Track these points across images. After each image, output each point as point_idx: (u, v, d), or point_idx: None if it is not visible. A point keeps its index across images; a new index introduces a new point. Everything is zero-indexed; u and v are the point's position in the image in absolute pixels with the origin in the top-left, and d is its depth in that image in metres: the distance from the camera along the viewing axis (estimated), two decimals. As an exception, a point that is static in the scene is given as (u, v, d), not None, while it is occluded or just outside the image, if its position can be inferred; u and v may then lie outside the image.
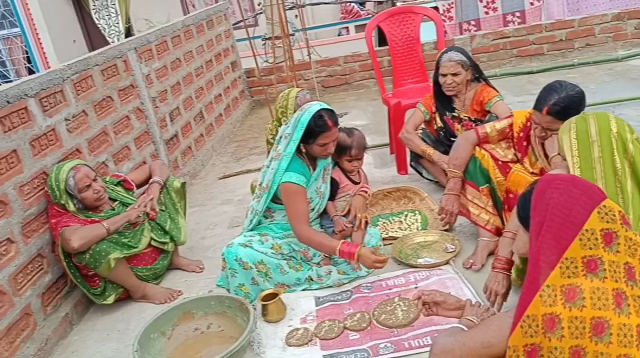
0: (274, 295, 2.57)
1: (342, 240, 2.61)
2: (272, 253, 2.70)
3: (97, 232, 2.66)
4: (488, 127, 2.79)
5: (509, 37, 6.37)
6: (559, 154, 2.46)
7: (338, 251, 2.54)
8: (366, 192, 2.97)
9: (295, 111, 3.37)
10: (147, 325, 2.45)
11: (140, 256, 2.91)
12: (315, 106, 2.63)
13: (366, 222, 2.84)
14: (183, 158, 4.68)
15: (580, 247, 1.28)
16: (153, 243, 2.95)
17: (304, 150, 2.69)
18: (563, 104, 2.36)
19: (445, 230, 3.04)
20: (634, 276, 1.30)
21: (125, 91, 3.81)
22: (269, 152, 3.69)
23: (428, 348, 2.16)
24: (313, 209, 2.80)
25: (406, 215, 3.30)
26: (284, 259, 2.74)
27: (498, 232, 2.79)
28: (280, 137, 2.73)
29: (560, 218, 1.30)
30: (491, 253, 2.75)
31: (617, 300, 1.25)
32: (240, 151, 5.36)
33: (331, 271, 2.75)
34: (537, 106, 2.45)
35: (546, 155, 2.60)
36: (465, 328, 1.54)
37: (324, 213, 2.94)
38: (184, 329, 2.56)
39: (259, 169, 4.55)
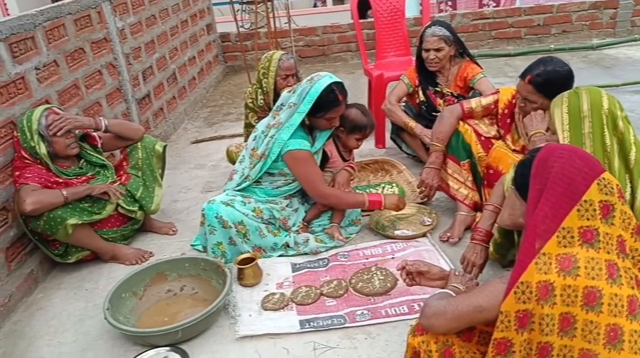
0: (250, 260, 2.53)
1: (366, 193, 2.75)
2: (253, 215, 2.65)
3: (53, 200, 2.50)
4: (473, 102, 2.79)
5: (488, 18, 6.38)
6: (540, 131, 2.49)
7: (368, 202, 2.65)
8: (352, 168, 2.94)
9: (276, 74, 3.30)
10: (118, 284, 2.38)
11: (106, 220, 2.78)
12: (325, 79, 2.55)
13: None
14: (155, 119, 4.54)
15: (578, 218, 1.29)
16: (120, 210, 2.81)
17: (307, 122, 2.63)
18: (546, 77, 2.37)
19: (423, 203, 3.04)
20: (625, 249, 1.31)
21: (98, 44, 3.64)
22: (246, 116, 3.62)
23: (404, 317, 2.21)
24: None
25: (383, 187, 3.29)
26: (264, 223, 2.69)
27: (475, 207, 2.82)
28: (282, 105, 2.65)
29: (561, 187, 1.30)
30: (468, 228, 2.77)
31: (610, 271, 1.26)
32: (213, 116, 5.24)
33: (309, 239, 2.72)
34: (522, 74, 2.46)
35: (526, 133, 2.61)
36: (454, 294, 1.54)
37: None
38: (156, 290, 2.50)
39: (234, 135, 4.55)
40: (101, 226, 2.78)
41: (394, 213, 2.99)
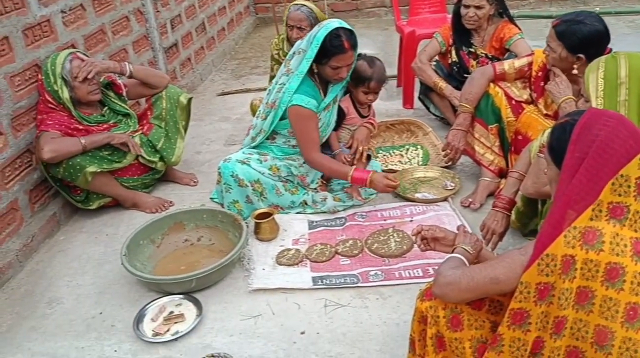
0: (267, 214, 2.53)
1: (354, 166, 2.54)
2: (270, 174, 2.63)
3: (71, 148, 2.51)
4: (506, 64, 2.66)
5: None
6: (570, 97, 2.38)
7: (350, 177, 2.49)
8: (372, 124, 2.85)
9: (287, 24, 3.21)
10: (136, 231, 2.41)
11: (126, 168, 2.80)
12: (333, 23, 2.44)
13: (368, 156, 2.76)
14: (182, 69, 4.51)
15: (611, 192, 1.21)
16: (141, 160, 2.82)
17: (316, 71, 2.53)
18: (571, 26, 2.27)
19: (446, 167, 2.97)
20: None
21: (126, -10, 3.58)
22: (272, 68, 3.55)
23: (418, 280, 2.19)
24: None
25: (407, 149, 3.22)
26: (281, 181, 2.67)
27: (500, 174, 2.73)
28: (294, 53, 2.57)
29: (603, 158, 1.20)
30: (491, 194, 2.70)
31: (636, 248, 1.20)
32: (241, 69, 5.18)
33: (327, 198, 2.69)
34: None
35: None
36: (463, 258, 1.49)
37: (324, 144, 2.79)
38: (174, 239, 2.53)
39: (260, 89, 4.49)
40: (122, 174, 2.80)
41: (418, 175, 2.93)
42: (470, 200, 2.67)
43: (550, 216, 1.28)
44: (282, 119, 2.60)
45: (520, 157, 2.23)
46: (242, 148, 2.81)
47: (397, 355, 1.85)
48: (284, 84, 2.52)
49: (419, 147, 3.22)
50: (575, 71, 2.31)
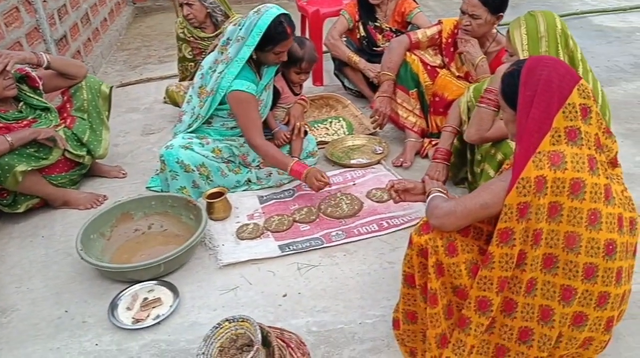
0: (219, 194, 2.55)
1: (295, 159, 2.63)
2: (213, 156, 2.63)
3: None
4: (420, 34, 2.92)
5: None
6: (483, 57, 2.70)
7: (290, 169, 2.56)
8: (304, 101, 2.96)
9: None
10: (85, 225, 2.30)
11: (53, 165, 2.63)
12: (273, 10, 2.47)
13: (305, 131, 2.88)
14: (74, 62, 4.24)
15: (563, 118, 1.47)
16: (67, 155, 2.67)
17: (254, 57, 2.56)
18: None
19: (371, 134, 3.19)
20: (600, 145, 1.52)
21: (12, -24, 3.30)
22: (179, 49, 3.49)
23: (375, 234, 2.38)
24: None
25: (330, 122, 3.39)
26: (224, 162, 2.69)
27: (423, 134, 3.01)
28: (229, 39, 2.57)
29: (550, 92, 1.46)
30: (417, 153, 2.97)
31: (591, 164, 1.47)
32: (134, 60, 4.99)
33: (271, 173, 2.77)
34: None
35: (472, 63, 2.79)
36: (443, 196, 1.69)
37: (263, 123, 2.81)
38: (123, 230, 2.45)
39: (162, 77, 4.38)
40: (49, 172, 2.63)
41: (348, 144, 3.11)
42: (401, 159, 2.91)
43: (518, 147, 1.51)
44: (220, 104, 2.62)
45: (450, 113, 2.50)
46: (175, 134, 2.77)
47: (377, 299, 2.03)
48: (223, 71, 2.53)
49: (341, 119, 3.40)
50: (494, 29, 2.65)
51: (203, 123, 2.70)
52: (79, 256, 2.15)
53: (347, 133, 3.27)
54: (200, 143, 2.64)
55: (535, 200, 1.45)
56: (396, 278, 2.10)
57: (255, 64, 2.61)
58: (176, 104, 3.47)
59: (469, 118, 2.39)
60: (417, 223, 1.68)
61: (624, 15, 5.36)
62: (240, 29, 2.51)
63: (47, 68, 2.61)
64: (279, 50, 2.53)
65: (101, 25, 5.12)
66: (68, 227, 2.58)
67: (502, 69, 2.07)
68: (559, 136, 1.47)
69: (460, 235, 1.58)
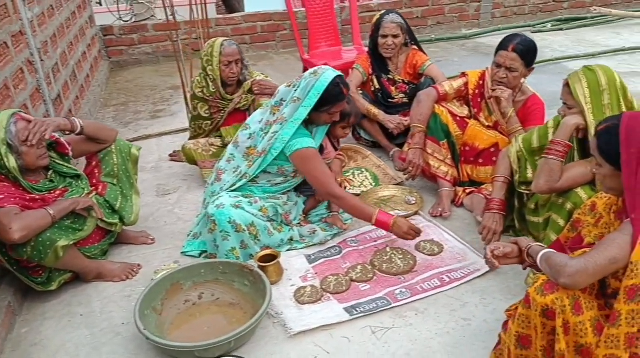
0: (270, 256, 2.45)
1: (378, 208, 2.57)
2: (261, 215, 2.56)
3: (41, 222, 2.16)
4: (447, 86, 2.99)
5: (374, 10, 6.73)
6: (513, 108, 2.80)
7: (375, 220, 2.49)
8: (342, 156, 2.98)
9: (220, 61, 3.16)
10: (139, 301, 2.14)
11: (88, 236, 2.47)
12: (330, 72, 2.49)
13: (345, 186, 2.86)
14: (67, 122, 4.05)
15: None
16: (100, 224, 2.52)
17: (306, 117, 2.54)
18: (527, 45, 2.73)
19: (398, 184, 3.19)
20: None
21: (17, 38, 3.15)
22: (194, 108, 3.41)
23: (439, 290, 2.33)
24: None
25: (353, 174, 3.37)
26: (269, 221, 2.61)
27: (455, 183, 3.04)
28: (282, 100, 2.55)
29: None
30: (452, 202, 2.98)
31: None
32: (123, 116, 4.83)
33: (315, 230, 2.70)
34: (503, 46, 2.75)
35: (502, 112, 2.87)
36: (551, 251, 1.68)
37: (305, 181, 2.78)
38: (174, 303, 2.30)
39: (162, 134, 4.26)
40: (83, 244, 2.46)
41: (379, 195, 3.10)
42: (440, 209, 2.91)
43: (635, 203, 1.54)
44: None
45: (499, 163, 2.54)
46: (214, 193, 2.66)
47: (466, 360, 1.98)
48: (277, 132, 2.50)
49: (363, 170, 3.39)
50: (524, 80, 2.78)
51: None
52: (129, 335, 2.03)
53: (373, 184, 3.26)
54: (248, 202, 2.56)
55: (657, 256, 1.46)
56: (477, 336, 2.09)
57: (305, 123, 2.59)
58: (193, 162, 3.37)
59: (519, 168, 2.45)
60: (532, 281, 1.65)
61: (594, 60, 5.72)
62: (296, 90, 2.49)
63: (79, 134, 2.48)
64: (334, 111, 2.55)
65: (85, 82, 4.94)
66: (107, 303, 2.40)
67: (568, 121, 2.14)
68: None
69: (582, 293, 1.57)
